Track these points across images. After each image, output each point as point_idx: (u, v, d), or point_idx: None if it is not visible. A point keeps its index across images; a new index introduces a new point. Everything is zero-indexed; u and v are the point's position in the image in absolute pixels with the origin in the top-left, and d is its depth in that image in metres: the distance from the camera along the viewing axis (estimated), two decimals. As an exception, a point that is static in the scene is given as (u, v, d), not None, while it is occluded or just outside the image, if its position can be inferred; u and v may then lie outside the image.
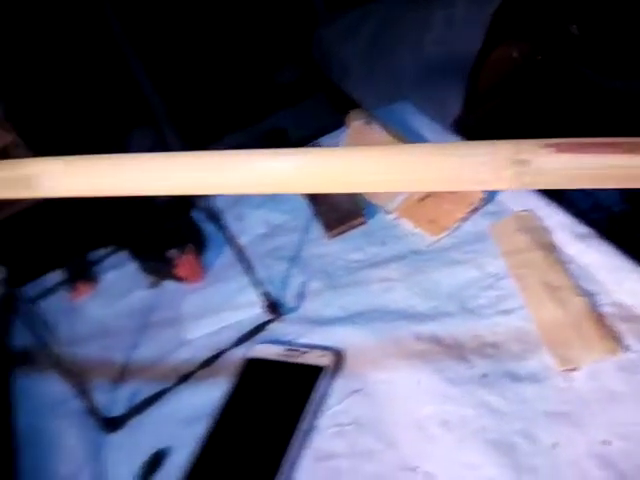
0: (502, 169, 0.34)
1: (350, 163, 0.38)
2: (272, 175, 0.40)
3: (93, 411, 0.66)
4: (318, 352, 0.66)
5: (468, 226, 0.76)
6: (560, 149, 0.34)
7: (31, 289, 0.90)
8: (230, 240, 0.73)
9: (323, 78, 2.33)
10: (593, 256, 0.67)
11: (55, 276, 0.92)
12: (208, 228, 0.89)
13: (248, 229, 0.89)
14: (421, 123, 0.97)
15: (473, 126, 1.57)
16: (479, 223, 0.76)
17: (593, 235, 0.69)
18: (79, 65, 1.70)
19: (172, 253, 0.81)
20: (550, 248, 0.69)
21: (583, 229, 0.70)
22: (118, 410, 0.70)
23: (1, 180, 0.43)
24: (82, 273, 0.89)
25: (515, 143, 0.34)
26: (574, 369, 0.57)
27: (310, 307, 0.74)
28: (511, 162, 0.34)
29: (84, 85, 1.70)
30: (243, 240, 0.87)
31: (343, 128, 0.98)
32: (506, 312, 0.65)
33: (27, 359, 0.80)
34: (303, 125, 2.36)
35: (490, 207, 0.77)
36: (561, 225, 0.71)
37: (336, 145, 0.94)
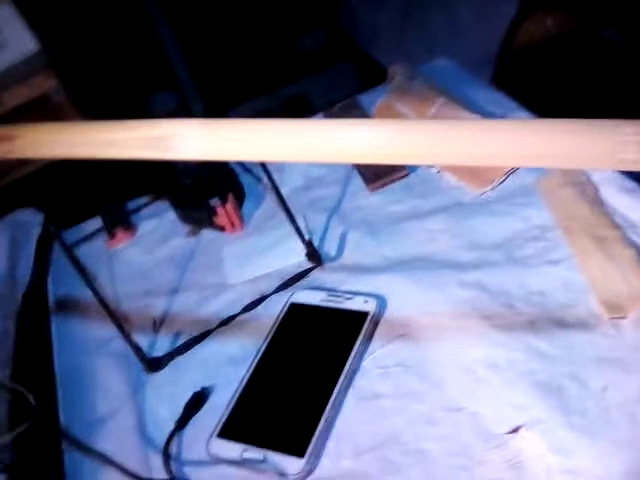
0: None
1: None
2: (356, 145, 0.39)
3: (136, 351, 0.67)
4: (361, 298, 0.66)
5: (513, 180, 0.76)
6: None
7: (69, 235, 0.90)
8: (272, 188, 0.73)
9: (350, 44, 2.31)
10: (640, 210, 0.66)
11: (93, 223, 0.93)
12: (246, 180, 0.89)
13: (287, 181, 0.89)
14: (464, 79, 0.96)
15: (505, 92, 1.55)
16: (524, 177, 0.75)
17: (640, 189, 0.68)
18: (109, 23, 1.69)
19: (213, 202, 0.81)
20: (597, 201, 0.69)
21: (630, 183, 0.69)
22: (160, 351, 0.71)
23: (134, 140, 0.44)
24: (121, 220, 0.90)
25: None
26: (622, 317, 0.57)
27: (351, 256, 0.74)
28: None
29: (113, 43, 1.70)
30: (283, 191, 0.87)
31: (384, 84, 0.98)
32: (553, 262, 0.64)
33: (67, 302, 0.81)
34: (326, 93, 2.35)
35: (535, 162, 0.76)
36: (608, 179, 0.71)
37: (375, 101, 0.93)
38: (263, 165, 0.73)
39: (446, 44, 1.76)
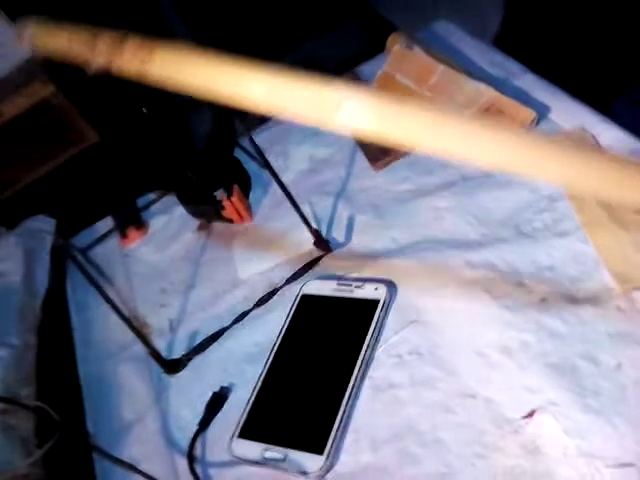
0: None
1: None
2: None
3: (154, 354, 0.68)
4: (371, 285, 0.66)
5: (519, 148, 0.74)
6: None
7: (82, 238, 0.91)
8: (274, 177, 0.72)
9: (357, 2, 2.26)
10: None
11: (105, 224, 0.93)
12: (252, 167, 0.88)
13: (292, 165, 0.88)
14: (464, 42, 0.94)
15: (514, 44, 1.50)
16: (529, 144, 0.73)
17: None
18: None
19: (218, 195, 0.81)
20: (606, 166, 0.67)
21: (638, 144, 0.67)
22: (178, 352, 0.72)
23: (294, 96, 0.39)
24: (132, 219, 0.90)
25: None
26: (635, 289, 0.56)
27: (360, 241, 0.74)
28: None
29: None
30: (288, 176, 0.87)
31: (383, 54, 0.95)
32: (563, 234, 0.63)
33: (86, 306, 0.82)
34: (334, 53, 2.31)
35: (542, 126, 0.75)
36: (616, 141, 0.68)
37: (375, 72, 0.91)
38: (262, 155, 0.73)
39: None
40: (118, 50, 0.44)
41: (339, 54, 2.33)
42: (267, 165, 0.71)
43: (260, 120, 0.99)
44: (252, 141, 0.76)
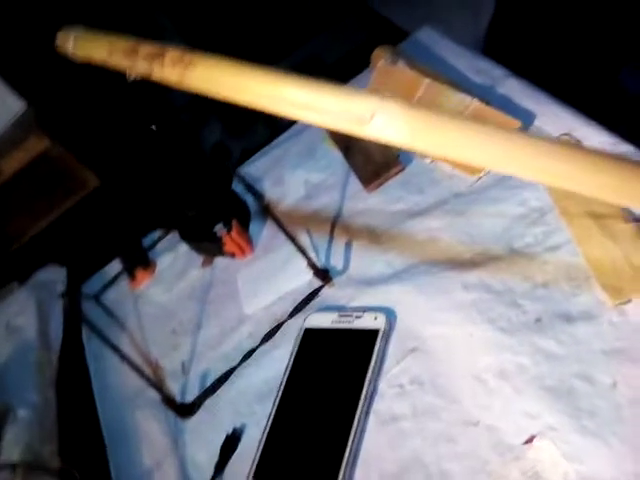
0: None
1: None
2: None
3: (167, 401, 0.70)
4: (371, 315, 0.67)
5: (507, 159, 0.74)
6: None
7: (93, 283, 0.94)
8: (267, 212, 0.73)
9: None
10: (639, 175, 0.64)
11: (114, 266, 0.96)
12: (250, 197, 0.90)
13: (289, 192, 0.89)
14: (448, 50, 0.93)
15: (508, 31, 1.49)
16: (517, 154, 0.73)
17: (636, 153, 0.66)
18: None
19: (218, 231, 0.83)
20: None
21: (626, 147, 0.67)
22: (192, 393, 0.74)
23: (330, 109, 0.40)
24: (139, 260, 0.92)
25: None
26: (627, 302, 0.56)
27: (357, 266, 0.75)
28: None
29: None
30: (285, 204, 0.88)
31: (368, 69, 0.96)
32: (554, 248, 0.63)
33: (102, 353, 0.84)
34: (335, 49, 2.30)
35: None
36: (602, 145, 0.68)
37: (362, 88, 0.92)
38: (252, 189, 0.74)
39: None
40: (158, 60, 0.46)
41: (339, 50, 2.33)
42: (261, 204, 0.72)
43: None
44: (243, 180, 0.78)
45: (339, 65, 2.24)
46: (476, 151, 0.37)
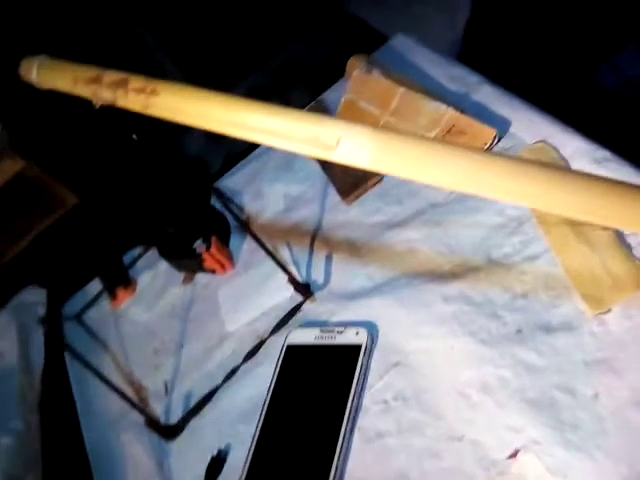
0: None
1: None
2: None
3: (151, 423, 0.69)
4: (352, 330, 0.67)
5: (484, 167, 0.74)
6: None
7: (74, 303, 0.93)
8: (246, 229, 0.73)
9: (327, 3, 2.26)
10: (615, 181, 0.64)
11: (95, 285, 0.95)
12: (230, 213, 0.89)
13: (268, 206, 0.89)
14: (422, 57, 0.93)
15: (485, 32, 1.50)
16: (494, 162, 0.73)
17: (613, 158, 0.66)
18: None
19: (198, 248, 0.82)
20: (569, 179, 0.67)
21: (602, 152, 0.67)
22: (175, 413, 0.73)
23: (295, 133, 0.41)
24: (119, 279, 0.91)
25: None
26: (607, 311, 0.56)
27: (338, 280, 0.74)
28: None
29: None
30: (265, 218, 0.88)
31: (344, 79, 0.95)
32: (532, 258, 0.63)
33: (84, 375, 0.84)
34: (314, 53, 2.31)
35: (504, 143, 0.74)
36: (579, 151, 0.68)
37: (338, 99, 0.91)
38: (231, 204, 0.74)
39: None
40: (122, 89, 0.46)
41: (317, 54, 2.33)
42: (240, 220, 0.72)
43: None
44: (222, 195, 0.77)
45: (319, 68, 2.24)
46: (442, 173, 0.37)
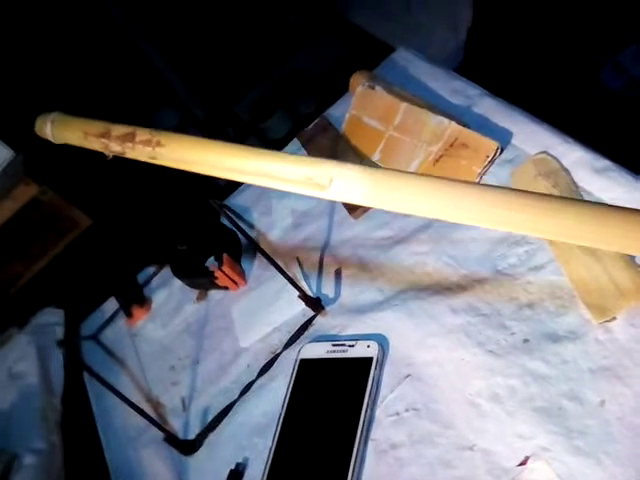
0: None
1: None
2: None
3: (169, 439, 0.71)
4: (364, 343, 0.68)
5: (488, 178, 0.75)
6: None
7: (91, 322, 0.95)
8: (256, 247, 0.75)
9: (329, 15, 2.29)
10: (616, 191, 0.65)
11: (111, 304, 0.97)
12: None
13: (276, 222, 0.90)
14: (424, 70, 0.95)
15: (487, 39, 1.51)
16: (498, 173, 0.75)
17: (614, 167, 0.67)
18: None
19: (210, 266, 0.84)
20: (572, 189, 0.68)
21: (603, 162, 0.68)
22: (193, 429, 0.75)
23: (292, 175, 0.44)
24: (135, 297, 0.93)
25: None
26: (612, 319, 0.57)
27: (348, 295, 0.76)
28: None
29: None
30: (274, 234, 0.90)
31: (348, 94, 0.97)
32: (537, 268, 0.65)
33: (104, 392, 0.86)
34: (318, 63, 2.33)
35: (506, 154, 0.76)
36: (580, 161, 0.70)
37: (343, 115, 0.93)
38: (237, 222, 0.75)
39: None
40: (130, 141, 0.50)
41: (321, 64, 2.36)
42: (249, 239, 0.74)
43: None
44: (229, 213, 0.79)
45: (324, 77, 2.27)
46: (432, 206, 0.39)
